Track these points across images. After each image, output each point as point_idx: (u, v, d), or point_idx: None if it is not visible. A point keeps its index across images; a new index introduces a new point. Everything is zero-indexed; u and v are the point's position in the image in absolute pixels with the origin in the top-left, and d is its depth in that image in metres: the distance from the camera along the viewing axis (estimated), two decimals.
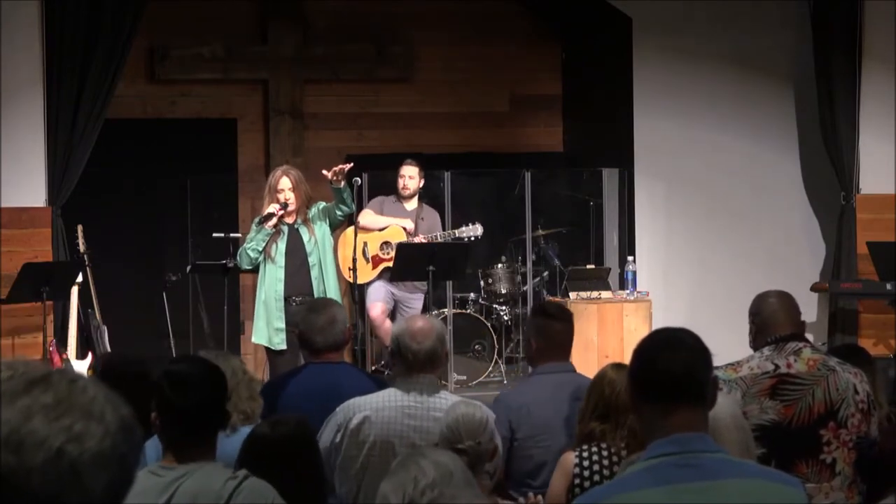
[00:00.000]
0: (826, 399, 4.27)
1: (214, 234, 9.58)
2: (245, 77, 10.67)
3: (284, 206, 7.61)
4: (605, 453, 4.22)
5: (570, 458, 4.27)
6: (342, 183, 7.61)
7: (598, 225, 10.61)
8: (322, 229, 7.71)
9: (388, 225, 9.22)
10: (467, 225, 9.39)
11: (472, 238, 9.29)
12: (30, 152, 8.65)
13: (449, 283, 9.88)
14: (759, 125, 10.12)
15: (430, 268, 8.57)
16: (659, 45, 10.12)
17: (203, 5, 10.55)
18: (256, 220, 7.80)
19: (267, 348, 7.68)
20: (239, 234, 9.97)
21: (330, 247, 7.80)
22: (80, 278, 8.66)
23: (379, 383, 4.93)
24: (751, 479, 2.58)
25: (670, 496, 2.51)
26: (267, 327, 7.56)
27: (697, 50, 10.14)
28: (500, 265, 10.26)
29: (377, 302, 9.18)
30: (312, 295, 7.53)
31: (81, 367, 8.46)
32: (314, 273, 7.64)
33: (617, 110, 10.42)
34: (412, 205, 9.32)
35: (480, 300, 10.29)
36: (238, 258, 7.87)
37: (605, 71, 10.75)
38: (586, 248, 10.72)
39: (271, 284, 7.63)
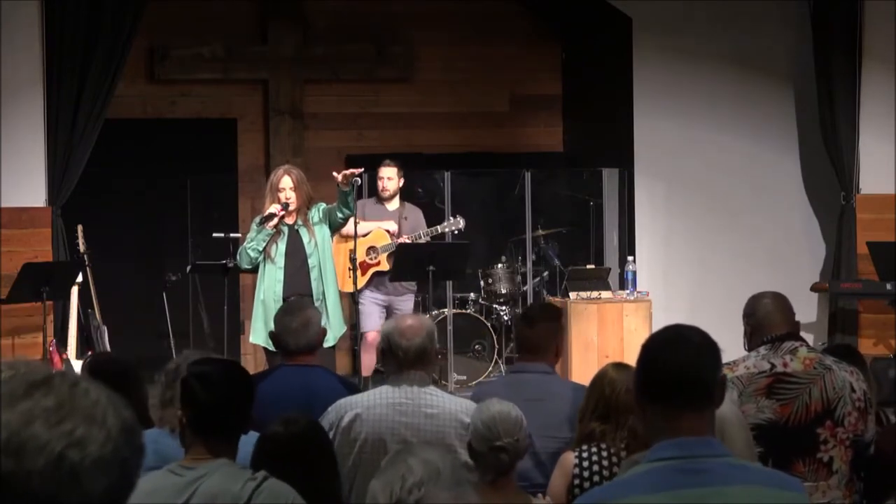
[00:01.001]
0: (823, 398, 4.28)
1: (214, 234, 9.57)
2: (245, 77, 10.67)
3: (285, 206, 7.59)
4: (604, 453, 4.22)
5: (570, 458, 4.27)
6: (349, 186, 7.58)
7: (598, 225, 10.61)
8: (322, 231, 7.69)
9: (371, 230, 9.12)
10: (448, 219, 9.35)
11: (456, 231, 9.26)
12: (30, 152, 8.65)
13: (449, 283, 9.88)
14: (759, 125, 10.12)
15: (430, 268, 8.55)
16: (659, 45, 10.12)
17: (203, 5, 10.55)
18: (257, 219, 7.77)
19: (265, 348, 7.66)
20: (239, 234, 9.96)
21: (330, 249, 7.77)
22: (80, 278, 8.66)
23: (350, 387, 5.00)
24: (754, 485, 2.52)
25: (672, 501, 2.48)
26: (265, 328, 7.53)
27: (697, 50, 10.14)
28: (500, 265, 10.26)
29: (371, 331, 8.86)
30: (312, 296, 7.52)
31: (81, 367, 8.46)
32: (314, 275, 7.62)
33: (617, 110, 10.42)
34: (394, 205, 9.25)
35: (480, 300, 10.29)
36: (238, 258, 7.85)
37: (605, 71, 10.75)
38: (586, 248, 10.73)
39: (270, 285, 7.61)
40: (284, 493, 3.22)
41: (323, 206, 7.74)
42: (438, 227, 9.28)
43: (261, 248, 7.61)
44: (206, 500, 3.19)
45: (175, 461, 3.38)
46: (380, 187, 9.16)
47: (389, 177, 9.14)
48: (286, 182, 7.61)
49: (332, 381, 5.05)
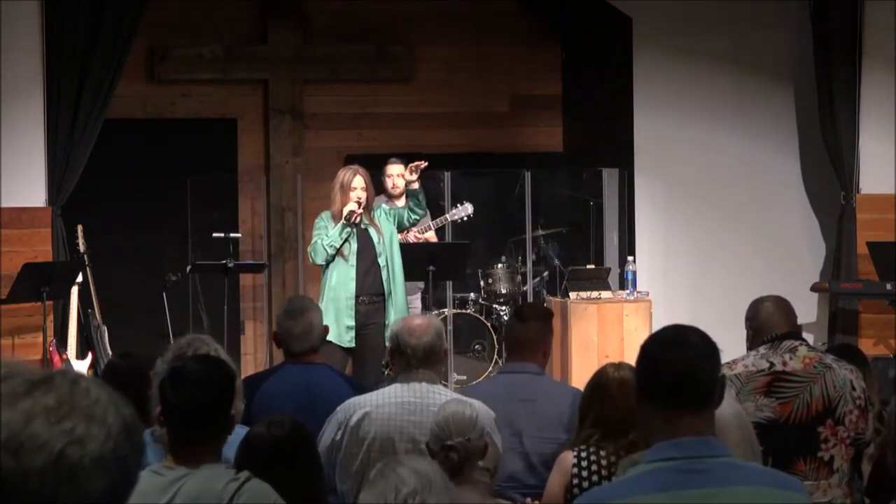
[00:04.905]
0: (824, 396, 4.28)
1: (214, 234, 9.57)
2: (245, 77, 10.66)
3: (358, 204, 7.66)
4: (602, 453, 4.22)
5: (569, 457, 4.26)
6: (417, 184, 7.75)
7: (598, 225, 10.61)
8: (390, 229, 7.79)
9: None
10: (456, 207, 9.40)
11: (465, 217, 9.32)
12: (30, 152, 8.65)
13: (449, 283, 9.88)
14: (758, 125, 10.11)
15: (431, 268, 8.56)
16: (659, 45, 10.12)
17: (203, 5, 10.54)
18: (325, 216, 7.75)
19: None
20: (239, 234, 9.97)
21: (398, 248, 7.84)
22: (80, 278, 8.65)
23: (355, 385, 5.00)
24: (755, 486, 2.53)
25: (672, 502, 2.48)
26: (337, 325, 7.57)
27: (698, 50, 10.13)
28: (500, 265, 10.26)
29: None
30: (383, 294, 7.66)
31: (81, 367, 8.47)
32: (384, 274, 7.71)
33: (617, 110, 10.42)
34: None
35: (480, 300, 10.29)
36: (311, 254, 7.81)
37: (605, 71, 10.74)
38: (586, 248, 10.73)
39: (343, 283, 7.67)
40: (266, 494, 3.22)
41: (385, 207, 7.87)
42: (447, 215, 9.35)
43: (338, 246, 7.65)
44: (189, 500, 3.18)
45: None
46: (389, 185, 8.97)
47: (399, 174, 9.08)
48: (358, 181, 7.70)
49: (335, 380, 5.08)
